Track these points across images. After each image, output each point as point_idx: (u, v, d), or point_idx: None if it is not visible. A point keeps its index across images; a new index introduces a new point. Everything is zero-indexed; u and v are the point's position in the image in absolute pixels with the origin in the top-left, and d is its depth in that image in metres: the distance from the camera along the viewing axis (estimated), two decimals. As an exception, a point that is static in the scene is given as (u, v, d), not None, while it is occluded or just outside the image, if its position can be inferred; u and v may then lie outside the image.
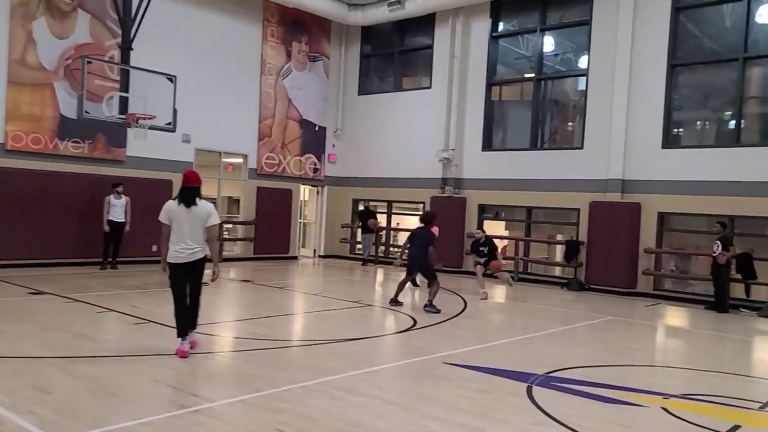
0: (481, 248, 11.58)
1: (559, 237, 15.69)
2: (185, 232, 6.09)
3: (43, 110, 12.40)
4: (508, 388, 5.63)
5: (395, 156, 17.18)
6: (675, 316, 11.05)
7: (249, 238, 16.41)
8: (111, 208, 12.53)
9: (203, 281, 6.39)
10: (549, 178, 14.31)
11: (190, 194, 6.11)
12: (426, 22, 16.73)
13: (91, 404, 4.71)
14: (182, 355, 6.05)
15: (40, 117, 12.38)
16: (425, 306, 9.44)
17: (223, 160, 16.10)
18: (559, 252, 15.44)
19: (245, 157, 16.31)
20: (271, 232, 16.66)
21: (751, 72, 12.54)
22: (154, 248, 12.83)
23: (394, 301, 9.90)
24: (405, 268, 10.23)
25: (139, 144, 13.63)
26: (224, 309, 9.70)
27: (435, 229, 10.41)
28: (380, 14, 16.85)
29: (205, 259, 6.28)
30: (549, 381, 5.84)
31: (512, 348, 7.48)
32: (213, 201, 16.85)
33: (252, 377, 5.60)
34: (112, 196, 12.57)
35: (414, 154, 16.68)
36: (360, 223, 16.72)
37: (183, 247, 6.10)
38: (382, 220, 17.39)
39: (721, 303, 11.20)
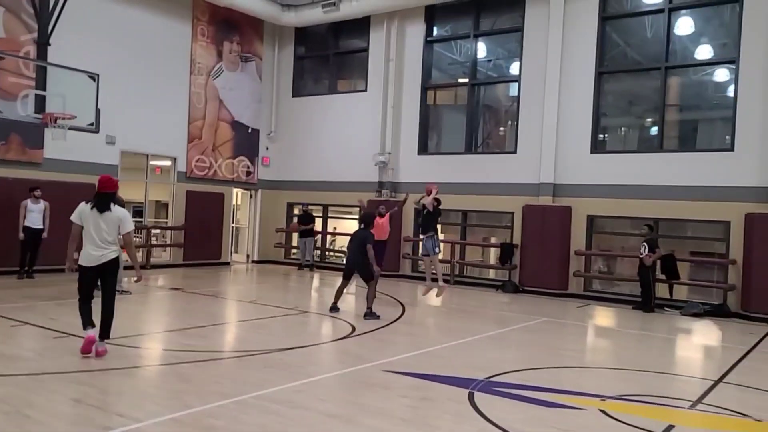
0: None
1: (493, 240, 15.96)
2: (96, 236, 6.11)
3: (-51, 108, 11.48)
4: (450, 394, 5.56)
5: (331, 159, 16.98)
6: (605, 316, 11.40)
7: (178, 243, 15.79)
8: (28, 214, 11.74)
9: (125, 290, 6.14)
10: (483, 182, 14.49)
11: (103, 200, 6.20)
12: (361, 25, 16.64)
13: (4, 428, 4.29)
14: (87, 348, 6.06)
15: (-54, 116, 11.45)
16: (365, 314, 9.29)
17: (151, 162, 15.43)
18: (493, 255, 15.69)
19: (174, 159, 15.69)
20: (202, 238, 16.10)
21: (672, 81, 13.14)
22: (76, 255, 12.10)
23: (334, 308, 9.71)
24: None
25: (58, 145, 12.82)
26: (152, 319, 9.23)
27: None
28: (314, 15, 16.63)
29: (117, 261, 6.27)
30: (489, 386, 5.82)
31: (451, 353, 7.45)
32: (140, 205, 16.18)
33: (182, 393, 5.29)
34: (29, 201, 11.77)
35: (350, 157, 16.53)
36: (300, 227, 16.32)
37: (93, 250, 6.11)
38: (318, 224, 17.11)
39: (647, 303, 11.64)
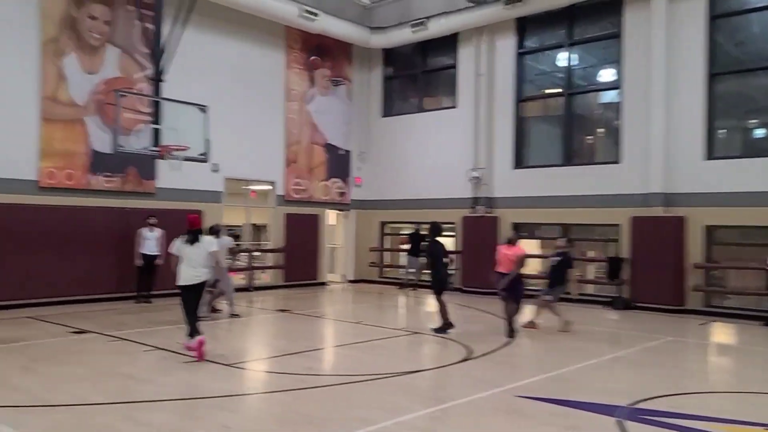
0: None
1: (591, 254, 15.32)
2: (189, 262, 7.67)
3: (75, 146, 12.32)
4: (597, 422, 5.30)
5: (422, 177, 16.96)
6: (733, 334, 10.64)
7: (279, 265, 16.19)
8: (144, 242, 12.40)
9: (235, 313, 6.78)
10: (585, 194, 14.00)
11: (194, 235, 7.83)
12: (449, 42, 16.61)
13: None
14: (196, 349, 7.25)
15: (73, 153, 12.29)
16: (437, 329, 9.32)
17: (251, 187, 15.95)
18: (592, 270, 15.07)
19: (273, 183, 16.16)
20: (300, 259, 16.45)
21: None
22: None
23: (444, 328, 9.59)
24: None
25: (169, 175, 13.54)
26: (268, 342, 9.44)
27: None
28: (403, 36, 16.77)
29: (204, 283, 7.81)
30: (637, 414, 5.50)
31: (581, 376, 7.14)
32: (233, 228, 16.66)
33: (322, 419, 5.31)
34: (145, 229, 12.44)
35: (442, 174, 16.45)
36: (410, 246, 16.12)
37: (189, 273, 7.64)
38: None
39: (779, 318, 10.79)
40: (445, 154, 16.46)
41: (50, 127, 12.00)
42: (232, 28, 15.00)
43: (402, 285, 16.37)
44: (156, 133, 11.41)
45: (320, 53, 17.01)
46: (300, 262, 16.48)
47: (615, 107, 14.19)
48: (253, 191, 16.95)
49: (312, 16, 15.62)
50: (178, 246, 7.84)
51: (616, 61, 14.04)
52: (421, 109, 17.70)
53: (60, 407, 5.51)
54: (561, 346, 9.51)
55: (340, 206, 17.88)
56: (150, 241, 12.46)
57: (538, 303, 10.31)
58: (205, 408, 5.63)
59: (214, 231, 10.24)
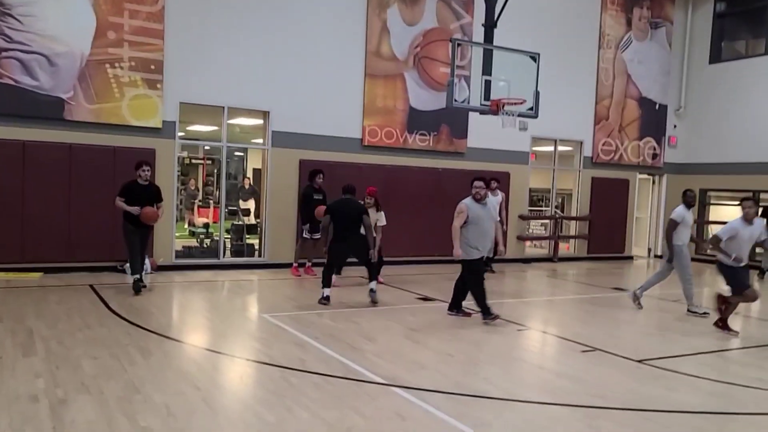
0: None
1: None
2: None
3: (395, 103, 11.93)
4: None
5: (759, 136, 13.80)
6: None
7: (582, 235, 14.53)
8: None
9: None
10: None
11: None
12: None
13: None
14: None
15: (393, 110, 11.93)
16: None
17: (535, 149, 14.37)
18: None
19: (580, 144, 14.41)
20: (605, 229, 14.59)
21: None
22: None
23: None
24: None
25: (478, 135, 12.68)
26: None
27: None
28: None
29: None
30: None
31: None
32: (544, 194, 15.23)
33: None
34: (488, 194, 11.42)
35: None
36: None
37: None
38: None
39: None
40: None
41: (373, 83, 11.71)
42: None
43: (762, 271, 12.67)
44: (487, 86, 10.37)
45: (639, -10, 14.61)
46: (605, 233, 14.64)
47: None
48: (533, 153, 15.36)
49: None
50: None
51: None
52: (762, 53, 14.37)
53: (513, 402, 4.57)
54: None
55: (651, 170, 15.49)
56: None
57: None
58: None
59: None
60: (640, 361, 5.72)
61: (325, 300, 7.71)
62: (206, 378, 4.85)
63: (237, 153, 20.44)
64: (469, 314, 7.31)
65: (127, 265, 9.40)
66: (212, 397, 4.38)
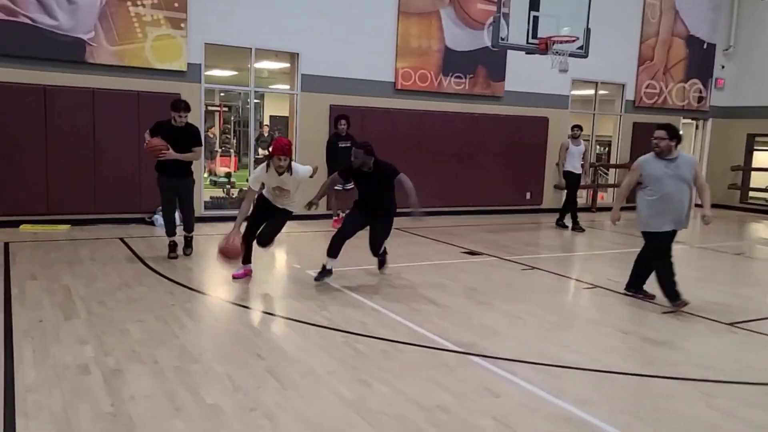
0: None
1: None
2: None
3: (430, 43, 11.19)
4: None
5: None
6: None
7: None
8: (568, 156, 10.57)
9: None
10: None
11: None
12: None
13: None
14: None
15: (427, 51, 11.19)
16: None
17: (600, 92, 13.64)
18: None
19: (622, 86, 13.62)
20: (645, 177, 13.97)
21: None
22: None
23: None
24: None
25: (515, 77, 11.99)
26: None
27: None
28: None
29: None
30: None
31: None
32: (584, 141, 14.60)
33: None
34: (569, 141, 10.66)
35: None
36: None
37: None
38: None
39: None
40: None
41: (407, 22, 10.94)
42: None
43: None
44: (535, 23, 9.59)
45: None
46: (645, 181, 14.03)
47: None
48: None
49: None
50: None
51: None
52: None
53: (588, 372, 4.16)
54: None
55: (696, 114, 14.71)
56: (574, 157, 10.58)
57: None
58: None
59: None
60: (731, 324, 5.28)
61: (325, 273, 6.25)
62: (266, 345, 4.46)
63: (254, 100, 19.76)
64: (652, 296, 5.96)
65: (156, 216, 8.99)
66: (278, 367, 3.99)
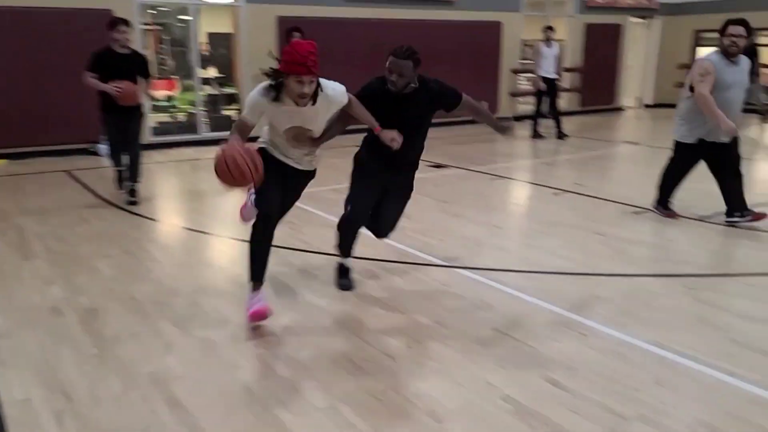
0: None
1: None
2: None
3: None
4: None
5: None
6: None
7: (575, 88, 13.90)
8: (542, 60, 9.99)
9: None
10: None
11: None
12: None
13: None
14: None
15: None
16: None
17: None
18: None
19: (575, -15, 13.34)
20: (596, 80, 14.00)
21: None
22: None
23: None
24: None
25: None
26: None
27: None
28: None
29: None
30: None
31: None
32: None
33: None
34: (541, 44, 10.02)
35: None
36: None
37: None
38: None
39: None
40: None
41: None
42: None
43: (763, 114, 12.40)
44: None
45: None
46: (596, 84, 14.07)
47: None
48: None
49: None
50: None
51: None
52: None
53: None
54: None
55: (644, 12, 14.63)
56: (548, 61, 9.98)
57: None
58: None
59: None
60: (700, 219, 5.41)
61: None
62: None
63: (185, 17, 18.45)
64: (763, 215, 5.11)
65: (99, 146, 8.41)
66: (268, 295, 3.85)
